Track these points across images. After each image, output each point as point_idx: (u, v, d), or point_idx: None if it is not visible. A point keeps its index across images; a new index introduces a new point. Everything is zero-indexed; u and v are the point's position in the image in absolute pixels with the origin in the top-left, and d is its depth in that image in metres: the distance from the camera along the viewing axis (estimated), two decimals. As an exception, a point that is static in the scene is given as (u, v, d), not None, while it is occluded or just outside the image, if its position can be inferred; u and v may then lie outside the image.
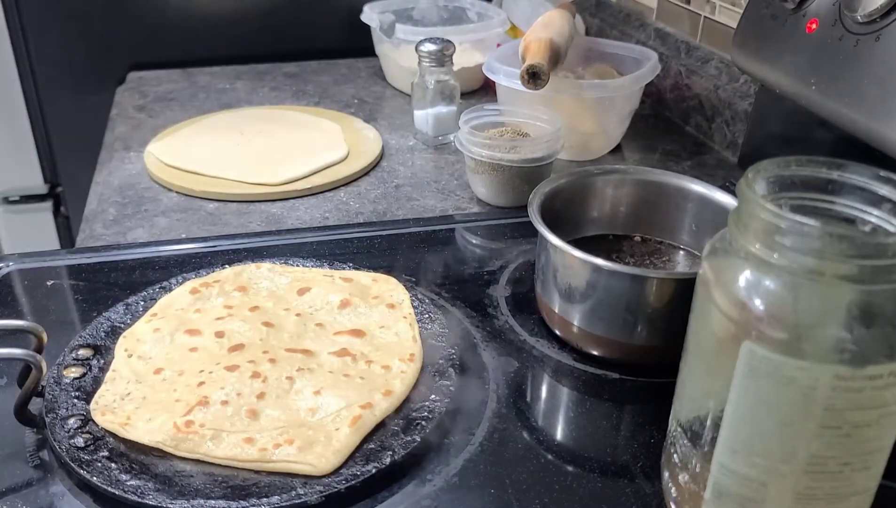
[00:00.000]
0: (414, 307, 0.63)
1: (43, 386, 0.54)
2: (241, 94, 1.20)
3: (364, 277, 0.66)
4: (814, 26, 0.70)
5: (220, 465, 0.50)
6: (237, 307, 0.62)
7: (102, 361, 0.58)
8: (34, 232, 1.52)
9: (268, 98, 1.18)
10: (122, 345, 0.59)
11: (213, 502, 0.46)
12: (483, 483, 0.50)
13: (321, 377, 0.55)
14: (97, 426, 0.52)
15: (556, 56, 0.88)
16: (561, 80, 0.92)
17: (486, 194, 0.85)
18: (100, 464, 0.49)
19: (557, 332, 0.63)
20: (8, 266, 0.71)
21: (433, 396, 0.55)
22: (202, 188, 0.88)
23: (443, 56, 0.97)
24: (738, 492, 0.42)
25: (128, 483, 0.47)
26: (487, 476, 0.50)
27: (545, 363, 0.61)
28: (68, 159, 1.40)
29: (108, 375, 0.56)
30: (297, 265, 0.69)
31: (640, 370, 0.60)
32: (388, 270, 0.68)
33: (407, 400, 0.55)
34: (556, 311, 0.62)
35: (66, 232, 1.50)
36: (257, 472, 0.49)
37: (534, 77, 0.83)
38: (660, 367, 0.58)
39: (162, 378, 0.56)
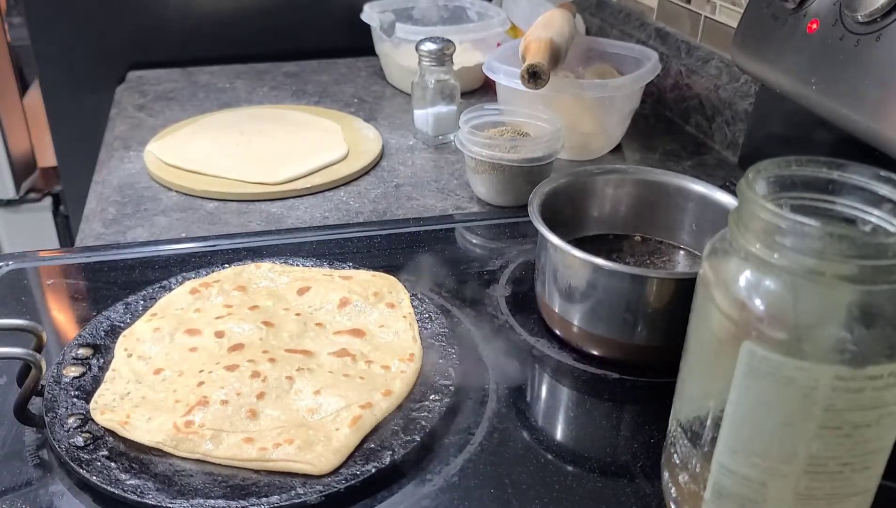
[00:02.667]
0: (414, 307, 0.63)
1: (42, 385, 0.54)
2: (240, 93, 1.20)
3: (364, 276, 0.66)
4: (814, 26, 0.70)
5: (219, 465, 0.50)
6: (237, 307, 0.62)
7: (102, 360, 0.58)
8: (34, 231, 1.52)
9: (267, 97, 1.18)
10: (121, 345, 0.59)
11: (212, 501, 0.46)
12: (483, 483, 0.50)
13: (321, 377, 0.55)
14: (97, 425, 0.52)
15: (557, 56, 0.88)
16: (561, 79, 0.92)
17: (487, 193, 0.85)
18: (99, 463, 0.49)
19: (557, 332, 0.63)
20: (7, 265, 0.71)
21: (433, 396, 0.55)
22: (202, 188, 0.88)
23: (443, 55, 0.97)
24: (738, 492, 0.42)
25: (127, 483, 0.47)
26: (487, 475, 0.50)
27: (545, 362, 0.61)
28: (68, 159, 1.40)
29: (108, 374, 0.56)
30: (297, 265, 0.69)
31: (640, 370, 0.60)
32: (388, 269, 0.68)
33: (407, 400, 0.55)
34: (556, 311, 0.62)
35: (66, 231, 1.50)
36: (257, 472, 0.49)
37: (534, 77, 0.83)
38: (660, 367, 0.58)
39: (162, 378, 0.56)
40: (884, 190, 0.40)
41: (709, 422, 0.42)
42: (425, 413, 0.53)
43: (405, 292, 0.64)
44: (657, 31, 1.16)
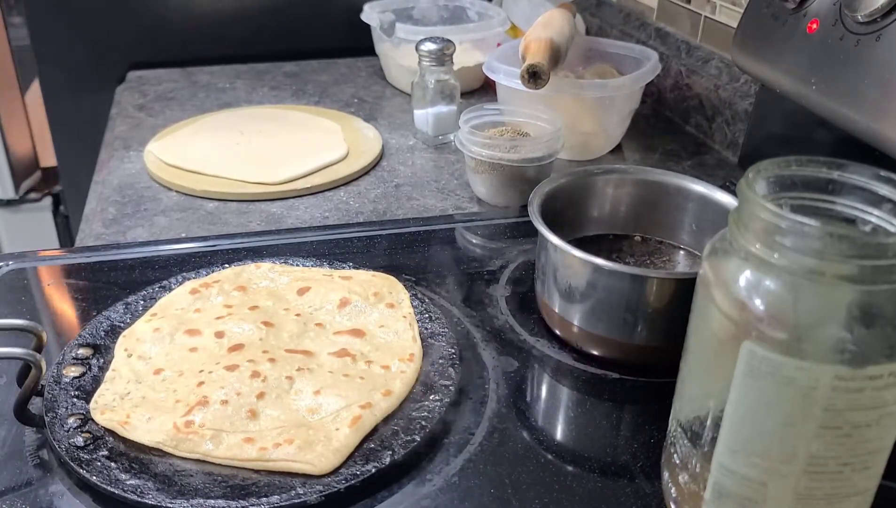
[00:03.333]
0: (414, 307, 0.63)
1: (42, 385, 0.54)
2: (240, 93, 1.20)
3: (364, 276, 0.66)
4: (814, 26, 0.70)
5: (219, 465, 0.50)
6: (237, 307, 0.62)
7: (102, 360, 0.58)
8: (34, 231, 1.52)
9: (267, 97, 1.18)
10: (121, 345, 0.59)
11: (212, 501, 0.46)
12: (483, 483, 0.50)
13: (321, 377, 0.55)
14: (97, 425, 0.52)
15: (557, 56, 0.88)
16: (561, 79, 0.92)
17: (486, 193, 0.85)
18: (99, 463, 0.49)
19: (557, 332, 0.63)
20: (7, 265, 0.71)
21: (433, 396, 0.55)
22: (202, 187, 0.88)
23: (443, 55, 0.97)
24: (738, 492, 0.42)
25: (127, 483, 0.47)
26: (487, 475, 0.50)
27: (545, 362, 0.61)
28: (68, 159, 1.40)
29: (108, 374, 0.56)
30: (297, 265, 0.69)
31: (640, 370, 0.60)
32: (388, 269, 0.68)
33: (407, 400, 0.55)
34: (556, 311, 0.62)
35: (66, 231, 1.50)
36: (257, 472, 0.49)
37: (534, 77, 0.83)
38: (660, 367, 0.58)
39: (162, 379, 0.56)
40: (884, 190, 0.40)
41: (709, 422, 0.42)
42: (425, 413, 0.53)
43: (405, 293, 0.64)
44: (657, 31, 1.16)
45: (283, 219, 0.84)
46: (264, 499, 0.47)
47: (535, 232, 0.62)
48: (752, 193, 0.39)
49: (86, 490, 0.49)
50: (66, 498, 0.48)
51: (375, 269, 0.68)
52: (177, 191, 0.89)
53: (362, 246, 0.76)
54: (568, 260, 0.59)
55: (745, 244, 0.39)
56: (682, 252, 0.70)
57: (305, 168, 0.91)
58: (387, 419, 0.53)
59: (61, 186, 1.45)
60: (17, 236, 1.58)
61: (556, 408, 0.59)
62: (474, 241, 0.79)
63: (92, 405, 0.53)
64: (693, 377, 0.44)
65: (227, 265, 0.68)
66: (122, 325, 0.62)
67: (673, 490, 0.47)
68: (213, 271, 0.67)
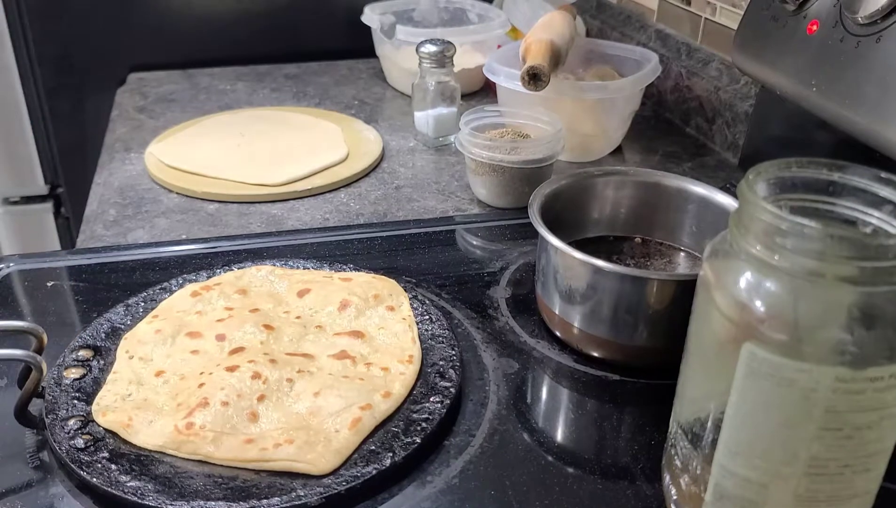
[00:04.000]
0: (414, 309, 0.63)
1: (43, 387, 0.54)
2: (241, 95, 1.20)
3: (364, 278, 0.66)
4: (814, 28, 0.70)
5: (220, 465, 0.50)
6: (238, 310, 0.62)
7: (102, 362, 0.58)
8: (35, 233, 1.52)
9: (268, 99, 1.18)
10: (123, 347, 0.59)
11: (212, 503, 0.46)
12: (483, 485, 0.50)
13: (321, 379, 0.55)
14: (97, 427, 0.52)
15: (557, 57, 0.88)
16: (561, 81, 0.92)
17: (487, 195, 0.85)
18: (100, 465, 0.49)
19: (558, 333, 0.63)
20: (8, 267, 0.71)
21: (433, 397, 0.55)
22: (203, 189, 0.88)
23: (443, 57, 0.97)
24: (739, 494, 0.42)
25: (128, 485, 0.47)
26: (487, 477, 0.50)
27: (545, 364, 0.61)
28: (69, 160, 1.40)
29: (110, 377, 0.56)
30: (298, 267, 0.69)
31: (640, 372, 0.60)
32: (389, 271, 0.68)
33: (407, 402, 0.55)
34: (557, 312, 0.62)
35: (67, 233, 1.50)
36: (257, 473, 0.49)
37: (534, 78, 0.84)
38: (660, 369, 0.58)
39: (163, 381, 0.56)
40: (884, 192, 0.40)
41: (709, 424, 0.42)
42: (426, 415, 0.53)
43: (405, 296, 0.64)
44: (657, 33, 1.16)
45: (283, 221, 0.84)
46: (265, 501, 0.47)
47: (536, 234, 0.62)
48: (753, 194, 0.39)
49: (86, 492, 0.49)
50: (67, 500, 0.48)
51: (376, 271, 0.68)
52: (177, 193, 0.89)
53: (363, 248, 0.76)
54: (568, 262, 0.59)
55: (745, 246, 0.39)
56: (682, 254, 0.69)
57: (306, 170, 0.91)
58: (387, 421, 0.53)
59: (62, 188, 1.45)
60: (17, 238, 1.58)
61: (556, 410, 0.58)
62: (475, 243, 0.79)
63: (94, 406, 0.53)
64: (693, 378, 0.44)
65: (227, 267, 0.68)
66: (122, 327, 0.62)
67: (674, 491, 0.47)
68: (213, 273, 0.68)
